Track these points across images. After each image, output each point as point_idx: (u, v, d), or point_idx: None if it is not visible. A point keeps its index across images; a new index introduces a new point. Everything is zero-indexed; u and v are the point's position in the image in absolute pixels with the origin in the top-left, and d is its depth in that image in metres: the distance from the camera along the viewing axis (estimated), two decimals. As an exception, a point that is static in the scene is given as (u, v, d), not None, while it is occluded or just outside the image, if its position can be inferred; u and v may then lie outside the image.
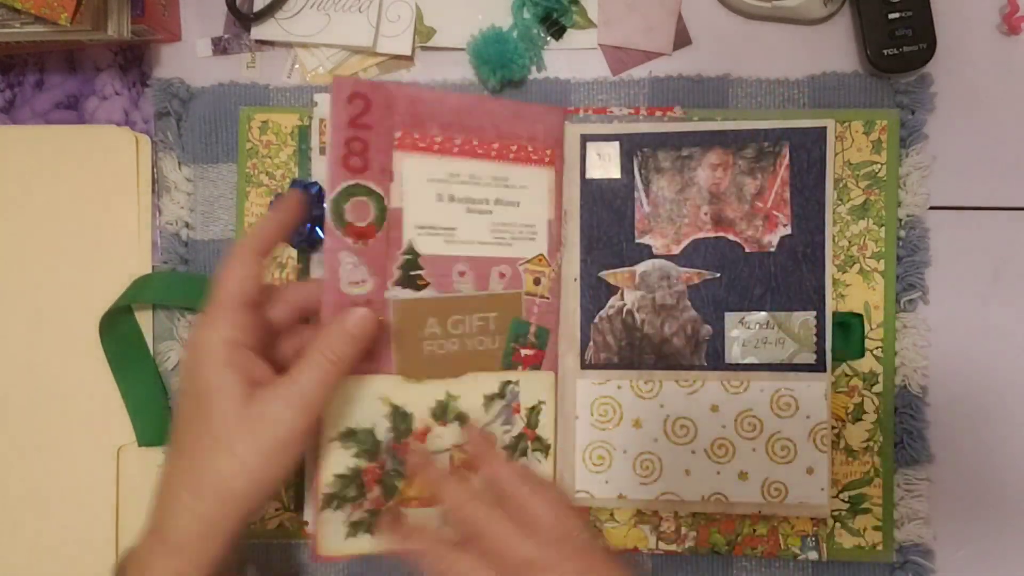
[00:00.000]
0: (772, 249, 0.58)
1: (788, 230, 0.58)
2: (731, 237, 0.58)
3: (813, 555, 0.58)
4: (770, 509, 0.58)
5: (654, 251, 0.59)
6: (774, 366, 0.58)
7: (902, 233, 0.58)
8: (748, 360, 0.58)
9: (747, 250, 0.58)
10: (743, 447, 0.58)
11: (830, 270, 0.57)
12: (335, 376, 0.46)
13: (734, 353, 0.58)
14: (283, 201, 0.50)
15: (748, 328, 0.58)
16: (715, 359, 0.58)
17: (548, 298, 0.58)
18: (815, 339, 0.57)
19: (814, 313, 0.57)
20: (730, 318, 0.58)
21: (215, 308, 0.46)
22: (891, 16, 0.58)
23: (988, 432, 0.59)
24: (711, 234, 0.58)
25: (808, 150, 0.57)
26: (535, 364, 0.58)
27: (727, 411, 0.58)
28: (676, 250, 0.59)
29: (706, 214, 0.58)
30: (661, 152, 0.59)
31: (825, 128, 0.57)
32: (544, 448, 0.58)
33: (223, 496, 0.44)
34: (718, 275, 0.58)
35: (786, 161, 0.58)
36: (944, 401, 0.59)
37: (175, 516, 0.44)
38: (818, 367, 0.57)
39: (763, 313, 0.58)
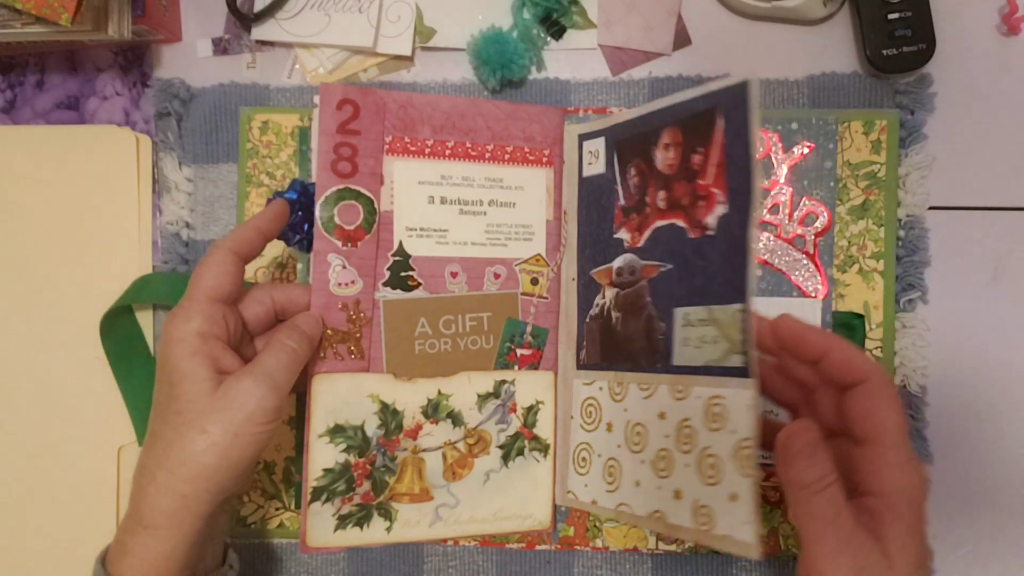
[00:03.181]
0: (712, 232, 0.49)
1: (725, 208, 0.48)
2: (679, 222, 0.51)
3: None
4: (702, 539, 0.47)
5: (625, 245, 0.55)
6: (711, 369, 0.48)
7: (901, 233, 0.59)
8: (689, 362, 0.50)
9: (690, 235, 0.50)
10: (679, 461, 0.49)
11: (752, 253, 0.46)
12: (297, 362, 0.49)
13: (678, 354, 0.50)
14: (266, 209, 0.52)
15: (692, 325, 0.50)
16: (666, 360, 0.51)
17: (547, 298, 0.59)
18: (742, 337, 0.47)
19: (740, 306, 0.47)
20: (678, 314, 0.51)
21: (189, 301, 0.48)
22: (890, 16, 0.58)
23: (987, 432, 0.59)
24: (665, 221, 0.52)
25: (737, 113, 0.48)
26: (532, 364, 0.58)
27: (671, 419, 0.50)
28: (640, 242, 0.54)
29: (662, 199, 0.52)
30: (631, 139, 0.55)
31: (746, 84, 0.46)
32: (543, 448, 0.58)
33: (195, 471, 0.45)
34: (670, 266, 0.52)
35: (721, 129, 0.49)
36: (943, 401, 0.59)
37: (150, 496, 0.46)
38: (744, 371, 0.46)
39: (702, 307, 0.49)
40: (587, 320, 0.58)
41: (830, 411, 0.46)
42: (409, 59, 0.62)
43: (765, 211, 0.58)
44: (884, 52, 0.58)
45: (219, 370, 0.47)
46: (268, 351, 0.48)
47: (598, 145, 0.57)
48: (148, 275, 0.61)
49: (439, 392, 0.56)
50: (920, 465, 0.43)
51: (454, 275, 0.57)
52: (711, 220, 0.49)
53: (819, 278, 0.58)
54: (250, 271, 0.61)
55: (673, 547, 0.59)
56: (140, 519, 0.46)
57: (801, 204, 0.58)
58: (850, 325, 0.58)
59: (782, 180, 0.58)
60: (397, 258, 0.56)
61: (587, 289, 0.58)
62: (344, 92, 0.54)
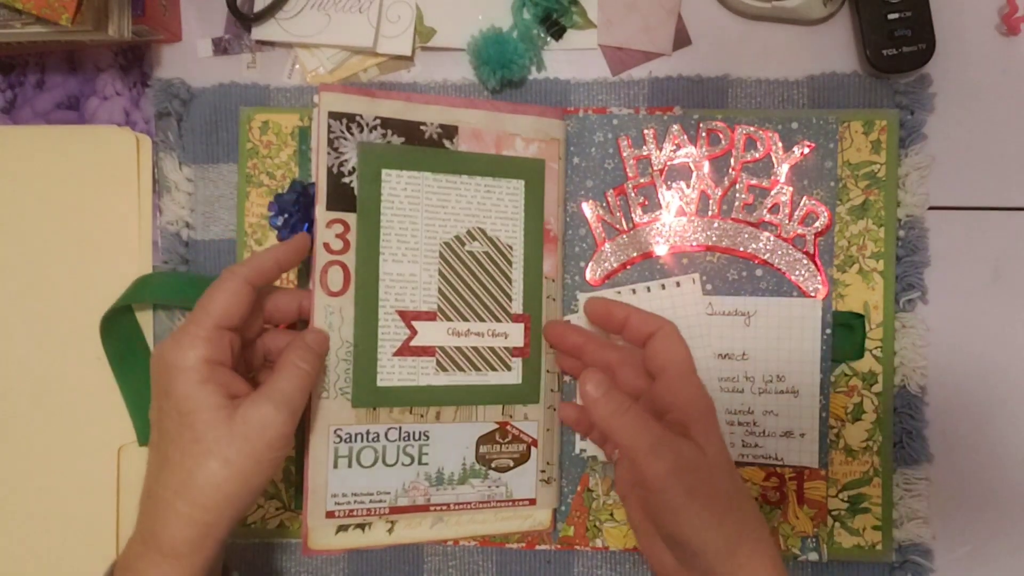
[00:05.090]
0: None
1: None
2: None
3: (814, 556, 0.58)
4: None
5: None
6: None
7: (901, 233, 0.59)
8: None
9: None
10: None
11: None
12: (310, 384, 0.49)
13: None
14: (289, 241, 0.52)
15: None
16: None
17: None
18: None
19: None
20: None
21: (196, 327, 0.47)
22: (890, 16, 0.58)
23: (987, 432, 0.59)
24: None
25: None
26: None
27: None
28: None
29: None
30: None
31: None
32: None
33: (218, 501, 0.45)
34: None
35: None
36: (943, 401, 0.59)
37: (169, 524, 0.45)
38: None
39: None
40: None
41: (633, 378, 0.53)
42: (409, 59, 0.62)
43: (765, 211, 0.58)
44: (884, 52, 0.58)
45: (230, 396, 0.46)
46: (282, 374, 0.48)
47: None
48: (148, 275, 0.61)
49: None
50: (707, 392, 0.49)
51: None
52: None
53: (819, 278, 0.58)
54: (250, 271, 0.61)
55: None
56: (159, 547, 0.45)
57: (801, 204, 0.58)
58: (850, 325, 0.58)
59: (782, 180, 0.58)
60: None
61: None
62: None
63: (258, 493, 0.47)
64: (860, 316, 0.58)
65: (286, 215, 0.57)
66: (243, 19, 0.62)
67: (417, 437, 0.56)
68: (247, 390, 0.47)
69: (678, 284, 0.59)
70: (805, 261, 0.58)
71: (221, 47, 0.63)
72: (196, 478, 0.45)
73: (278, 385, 0.47)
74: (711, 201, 0.59)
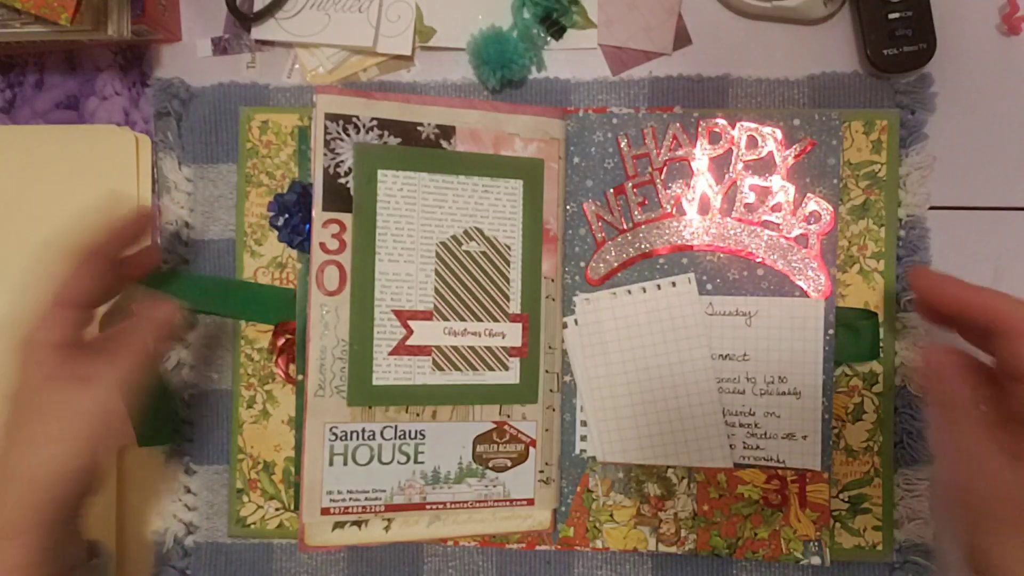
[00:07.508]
0: None
1: None
2: None
3: (816, 560, 0.58)
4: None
5: None
6: None
7: (902, 233, 0.58)
8: None
9: None
10: None
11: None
12: (141, 356, 0.50)
13: None
14: (123, 215, 0.51)
15: None
16: None
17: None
18: None
19: None
20: None
21: (41, 307, 0.49)
22: (891, 16, 0.58)
23: (988, 432, 0.59)
24: None
25: None
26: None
27: None
28: None
29: None
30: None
31: None
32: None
33: (22, 478, 0.46)
34: None
35: None
36: (944, 401, 0.59)
37: (2, 506, 0.46)
38: None
39: None
40: None
41: None
42: (409, 59, 0.62)
43: (768, 209, 0.58)
44: (884, 52, 0.58)
45: (76, 377, 0.47)
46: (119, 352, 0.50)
47: None
48: (148, 275, 0.61)
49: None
50: None
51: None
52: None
53: (823, 278, 0.57)
54: (249, 272, 0.61)
55: (673, 548, 0.59)
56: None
57: (804, 202, 0.58)
58: (852, 326, 0.58)
59: (784, 178, 0.58)
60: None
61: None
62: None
63: (84, 474, 0.46)
64: (871, 314, 0.58)
65: (287, 215, 0.57)
66: (243, 19, 0.62)
67: (413, 436, 0.56)
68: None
69: (673, 284, 0.58)
70: (808, 260, 0.58)
71: (221, 47, 0.63)
72: (8, 458, 0.46)
73: (112, 363, 0.48)
74: (712, 200, 0.59)
